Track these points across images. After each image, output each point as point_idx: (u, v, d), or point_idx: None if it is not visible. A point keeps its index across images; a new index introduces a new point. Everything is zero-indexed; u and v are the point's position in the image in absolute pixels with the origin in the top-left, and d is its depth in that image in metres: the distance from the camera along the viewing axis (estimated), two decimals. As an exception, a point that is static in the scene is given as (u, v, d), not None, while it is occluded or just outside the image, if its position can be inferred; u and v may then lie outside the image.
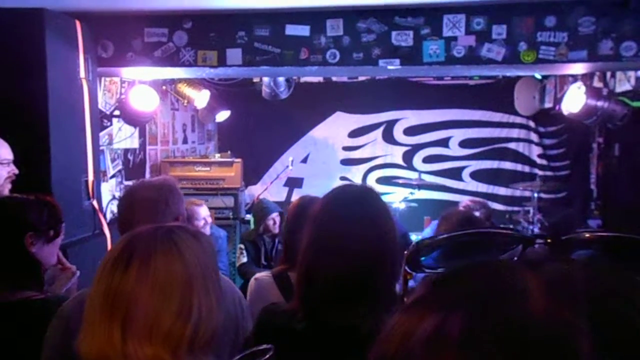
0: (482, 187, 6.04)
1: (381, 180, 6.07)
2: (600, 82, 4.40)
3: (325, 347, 1.16)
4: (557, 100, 4.94)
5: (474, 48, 3.15)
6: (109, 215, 3.53)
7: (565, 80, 4.85)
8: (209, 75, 4.17)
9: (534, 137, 5.91)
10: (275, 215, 3.92)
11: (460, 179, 6.09)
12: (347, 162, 6.26)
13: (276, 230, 3.90)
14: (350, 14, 3.20)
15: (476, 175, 6.07)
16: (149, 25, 3.30)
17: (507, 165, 5.99)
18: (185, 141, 5.71)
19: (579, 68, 3.50)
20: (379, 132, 6.22)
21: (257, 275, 1.83)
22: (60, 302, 1.42)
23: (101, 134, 3.68)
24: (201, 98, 5.09)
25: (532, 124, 5.88)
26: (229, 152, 5.36)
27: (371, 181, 6.10)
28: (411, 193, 5.26)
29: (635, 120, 3.96)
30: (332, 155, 6.25)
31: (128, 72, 3.69)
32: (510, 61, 3.14)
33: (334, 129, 6.22)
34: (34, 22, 2.51)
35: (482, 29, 3.14)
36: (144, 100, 4.03)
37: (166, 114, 5.23)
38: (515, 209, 5.46)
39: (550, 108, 5.33)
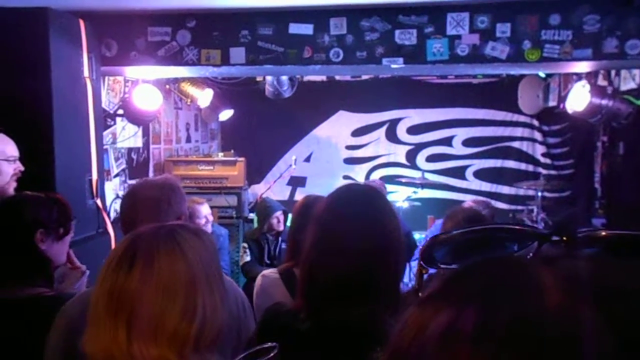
0: (486, 186, 6.02)
1: (384, 179, 6.03)
2: (605, 80, 4.39)
3: (329, 346, 1.16)
4: (561, 99, 4.92)
5: (478, 46, 3.14)
6: (112, 214, 3.53)
7: (569, 79, 4.83)
8: (212, 74, 4.17)
9: (537, 135, 5.89)
10: (279, 214, 3.92)
11: (463, 177, 6.08)
12: (350, 161, 6.26)
13: (280, 229, 3.91)
14: (353, 13, 3.20)
15: (480, 174, 6.06)
16: (153, 24, 3.30)
17: (511, 164, 5.98)
18: (188, 140, 5.71)
19: (583, 66, 3.49)
20: (382, 131, 6.21)
21: (264, 272, 1.84)
22: (69, 299, 1.43)
23: (105, 133, 3.69)
24: (204, 97, 5.09)
25: (536, 122, 5.87)
26: (232, 151, 5.37)
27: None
28: (414, 192, 5.26)
29: (640, 118, 3.94)
30: (335, 154, 6.25)
31: (132, 71, 3.70)
32: (514, 59, 3.13)
33: (337, 128, 6.22)
34: (38, 22, 2.52)
35: (486, 28, 3.13)
36: (148, 99, 4.04)
37: (170, 113, 5.24)
38: (519, 207, 5.45)
39: (554, 106, 5.31)
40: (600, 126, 4.63)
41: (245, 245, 3.95)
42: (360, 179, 6.05)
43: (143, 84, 4.06)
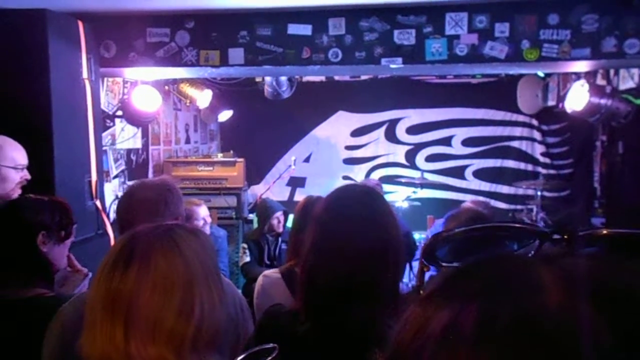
0: (485, 186, 6.02)
1: (384, 179, 6.05)
2: (604, 79, 4.39)
3: (328, 348, 1.15)
4: (560, 98, 4.92)
5: (476, 46, 3.14)
6: (112, 216, 3.53)
7: (568, 78, 4.83)
8: (211, 75, 4.17)
9: (537, 135, 5.89)
10: (279, 214, 3.92)
11: (463, 177, 6.08)
12: (349, 161, 6.26)
13: (280, 230, 3.91)
14: (352, 13, 3.20)
15: (479, 174, 6.06)
16: (151, 25, 3.30)
17: (510, 163, 5.98)
18: (187, 141, 5.71)
19: (582, 66, 3.49)
20: (381, 131, 6.21)
21: (266, 272, 1.84)
22: (68, 301, 1.43)
23: (104, 134, 3.69)
24: (203, 98, 5.09)
25: (535, 122, 5.87)
26: (231, 152, 5.37)
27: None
28: (414, 192, 5.26)
29: (639, 118, 3.94)
30: (335, 154, 6.25)
31: (130, 73, 3.70)
32: (513, 59, 3.13)
33: (337, 128, 6.22)
34: (36, 23, 2.52)
35: (484, 27, 3.13)
36: (147, 100, 4.04)
37: (169, 114, 5.24)
38: (519, 207, 5.45)
39: (553, 106, 5.32)
40: (600, 125, 4.63)
41: (245, 245, 3.95)
42: (359, 179, 6.05)
43: (142, 85, 4.05)
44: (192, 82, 4.97)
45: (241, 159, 5.00)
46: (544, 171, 5.64)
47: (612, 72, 4.28)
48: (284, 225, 3.92)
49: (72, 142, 2.73)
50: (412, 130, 6.16)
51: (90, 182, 2.86)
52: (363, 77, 5.88)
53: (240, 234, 4.78)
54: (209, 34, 3.28)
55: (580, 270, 0.35)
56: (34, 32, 2.52)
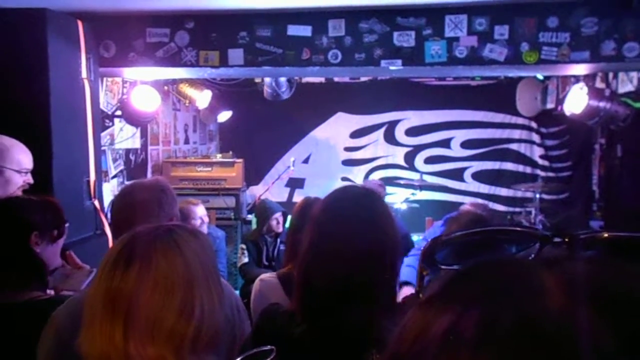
0: (484, 188, 6.03)
1: (383, 181, 6.07)
2: (603, 82, 4.39)
3: (325, 349, 1.15)
4: (559, 101, 4.93)
5: (476, 48, 3.15)
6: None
7: (567, 81, 4.84)
8: (210, 75, 4.17)
9: (535, 138, 5.90)
10: (278, 215, 3.92)
11: (462, 179, 6.08)
12: (348, 162, 6.26)
13: (279, 230, 3.90)
14: (352, 15, 3.20)
15: (478, 176, 6.06)
16: (151, 25, 3.30)
17: (509, 166, 5.98)
18: (187, 141, 5.71)
19: (581, 69, 3.50)
20: (380, 133, 6.21)
21: (263, 276, 1.81)
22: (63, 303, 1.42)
23: (103, 134, 3.68)
24: (203, 98, 5.09)
25: (534, 124, 5.87)
26: (230, 153, 5.37)
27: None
28: (413, 194, 5.26)
29: (638, 121, 3.94)
30: (334, 155, 6.25)
31: (130, 73, 3.69)
32: (512, 62, 3.13)
33: (336, 130, 6.22)
34: (36, 23, 2.52)
35: (484, 30, 3.13)
36: (146, 100, 4.03)
37: (168, 114, 5.24)
38: (517, 210, 5.46)
39: (552, 109, 5.32)
40: (598, 128, 4.63)
41: (244, 246, 3.95)
42: (358, 180, 6.05)
43: (141, 85, 4.05)
44: (191, 82, 4.97)
45: (240, 160, 5.00)
46: (542, 174, 5.64)
47: (611, 75, 4.28)
48: (283, 226, 3.92)
49: (71, 141, 2.73)
50: (411, 132, 6.16)
51: (88, 182, 2.85)
52: (362, 79, 5.88)
53: (239, 235, 4.78)
54: (209, 34, 3.28)
55: (581, 273, 0.34)
56: (34, 31, 2.52)
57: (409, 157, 6.18)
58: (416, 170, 5.96)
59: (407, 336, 0.35)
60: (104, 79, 3.82)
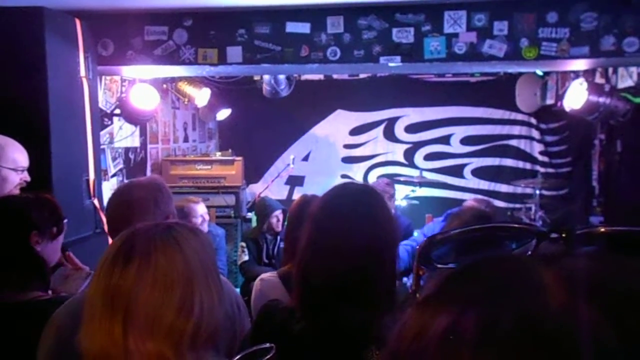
0: (484, 185, 6.03)
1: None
2: (602, 78, 4.39)
3: (324, 346, 1.15)
4: (559, 97, 4.92)
5: (475, 44, 3.14)
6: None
7: (566, 77, 4.83)
8: (209, 73, 4.16)
9: (535, 134, 5.90)
10: (278, 213, 3.92)
11: (461, 176, 6.08)
12: (348, 160, 6.26)
13: (279, 228, 3.90)
14: (350, 11, 3.19)
15: (478, 173, 6.06)
16: (149, 23, 3.29)
17: (509, 162, 5.98)
18: (186, 140, 5.70)
19: (580, 64, 3.49)
20: (380, 130, 6.21)
21: (263, 275, 1.80)
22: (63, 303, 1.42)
23: (102, 132, 3.68)
24: (202, 96, 5.08)
25: (533, 120, 5.87)
26: (230, 151, 5.36)
27: (372, 179, 6.09)
28: (412, 191, 5.26)
29: (638, 116, 3.94)
30: (333, 153, 6.25)
31: (128, 71, 3.69)
32: (511, 57, 3.13)
33: (335, 127, 6.22)
34: (34, 21, 2.51)
35: (483, 26, 3.13)
36: (145, 98, 4.02)
37: (167, 113, 5.23)
38: (517, 206, 5.45)
39: (551, 105, 5.32)
40: (598, 124, 4.63)
41: (244, 244, 3.95)
42: (358, 177, 6.06)
43: (140, 83, 4.04)
44: (190, 80, 4.96)
45: (239, 158, 5.00)
46: (542, 170, 5.64)
47: (610, 70, 4.28)
48: (283, 224, 3.91)
49: (70, 140, 2.72)
50: (411, 128, 6.16)
51: (88, 180, 2.85)
52: (362, 76, 5.88)
53: (239, 233, 4.78)
54: (207, 32, 3.27)
55: (581, 270, 0.34)
56: (31, 30, 2.51)
57: (409, 154, 6.18)
58: (416, 167, 5.96)
59: (404, 337, 0.35)
60: (103, 77, 3.81)
